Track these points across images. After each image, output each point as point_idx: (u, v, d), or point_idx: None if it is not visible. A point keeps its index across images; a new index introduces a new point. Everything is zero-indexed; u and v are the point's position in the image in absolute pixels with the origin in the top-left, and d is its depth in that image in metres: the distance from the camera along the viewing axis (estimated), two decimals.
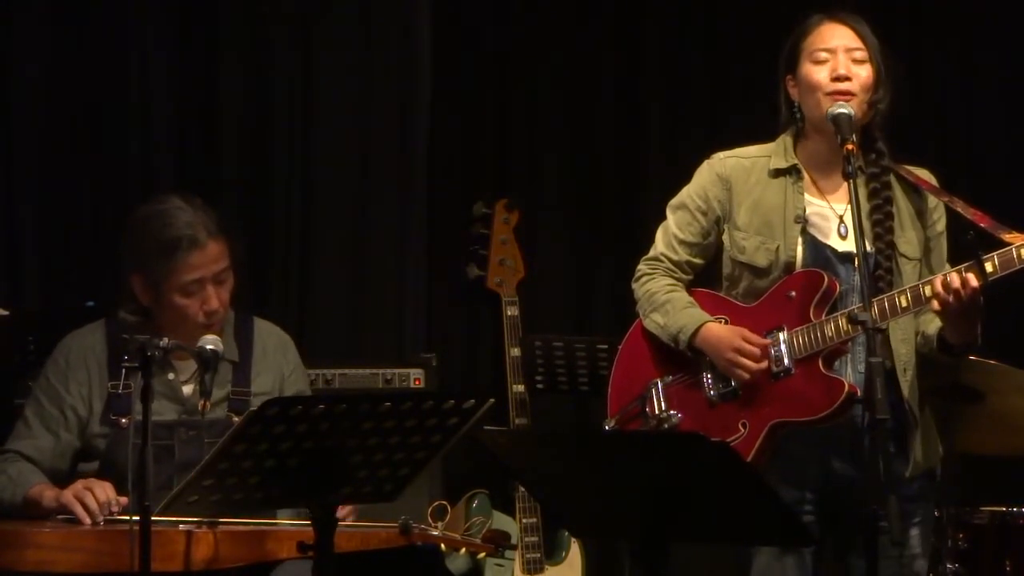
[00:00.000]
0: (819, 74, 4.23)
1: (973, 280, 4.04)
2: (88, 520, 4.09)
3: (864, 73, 4.23)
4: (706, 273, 4.45)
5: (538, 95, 6.42)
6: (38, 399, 4.39)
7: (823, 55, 4.24)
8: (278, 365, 4.50)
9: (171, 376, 4.37)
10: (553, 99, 6.42)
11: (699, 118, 6.43)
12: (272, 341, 4.53)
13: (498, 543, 4.23)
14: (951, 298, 4.05)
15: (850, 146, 4.11)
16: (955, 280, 4.04)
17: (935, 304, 4.08)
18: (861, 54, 4.24)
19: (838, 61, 4.22)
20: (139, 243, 4.36)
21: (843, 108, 4.17)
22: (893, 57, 4.28)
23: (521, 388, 5.89)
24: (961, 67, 6.52)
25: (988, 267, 4.03)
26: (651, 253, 4.46)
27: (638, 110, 6.46)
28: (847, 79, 4.20)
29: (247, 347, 4.47)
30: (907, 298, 4.12)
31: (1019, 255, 4.03)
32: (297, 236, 6.09)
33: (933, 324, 4.24)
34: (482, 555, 4.60)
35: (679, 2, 6.48)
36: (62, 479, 4.33)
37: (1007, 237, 4.07)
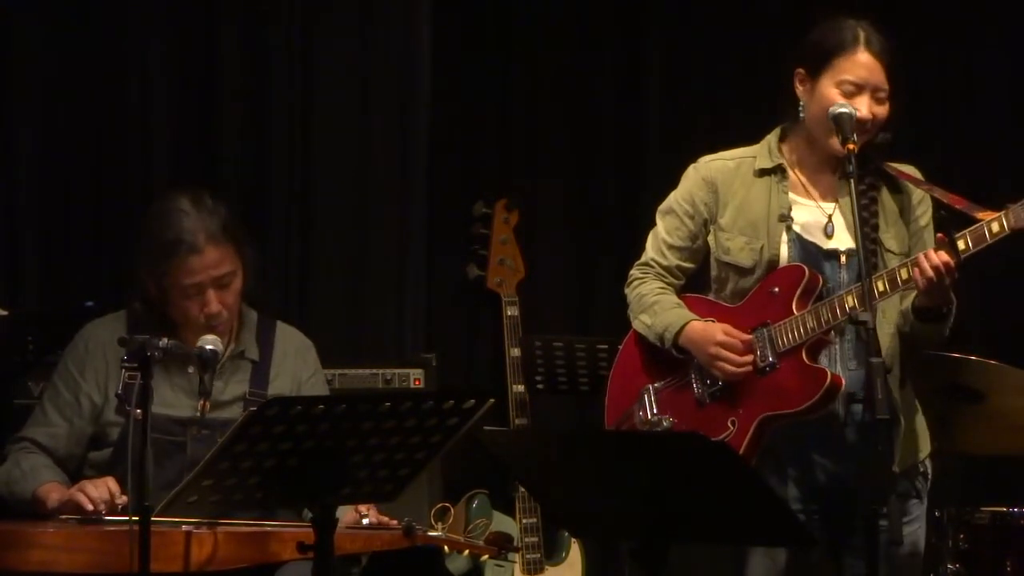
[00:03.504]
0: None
1: (946, 257, 4.07)
2: (90, 506, 4.10)
3: (882, 111, 4.24)
4: (697, 279, 4.46)
5: (538, 95, 6.42)
6: (55, 385, 4.44)
7: (851, 88, 4.22)
8: (297, 369, 4.52)
9: (190, 369, 4.38)
10: (553, 99, 6.42)
11: (699, 118, 6.43)
12: (293, 345, 4.55)
13: (501, 546, 4.23)
14: (931, 277, 4.07)
15: (851, 146, 4.13)
16: (932, 260, 4.07)
17: (918, 284, 4.10)
18: (884, 95, 4.23)
19: (863, 101, 4.20)
20: (144, 241, 4.41)
21: (844, 108, 4.17)
22: (904, 82, 4.28)
23: (521, 388, 5.89)
24: (961, 67, 6.53)
25: (961, 244, 4.08)
26: (642, 258, 4.49)
27: (638, 110, 6.46)
28: (866, 121, 4.20)
29: (267, 349, 4.50)
30: (884, 282, 4.16)
31: (990, 229, 4.08)
32: (297, 236, 6.09)
33: (907, 300, 4.25)
34: (484, 557, 4.61)
35: (680, 2, 6.48)
36: (77, 463, 4.39)
37: (979, 215, 4.12)
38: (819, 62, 4.26)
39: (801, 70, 4.30)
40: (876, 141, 4.27)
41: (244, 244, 4.43)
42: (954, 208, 4.16)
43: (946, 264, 4.07)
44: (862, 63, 4.23)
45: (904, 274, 4.13)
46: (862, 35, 4.25)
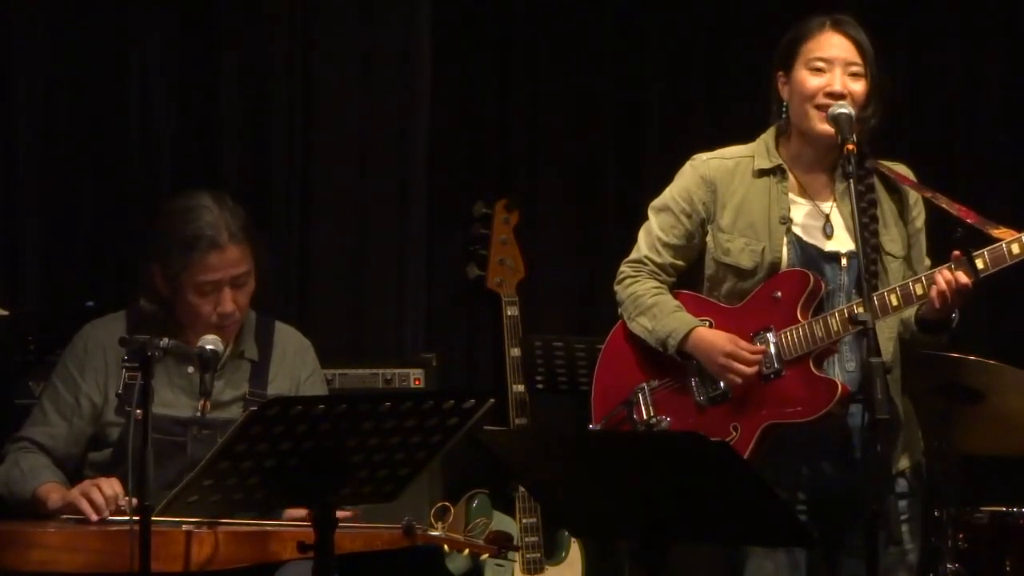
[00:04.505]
0: (813, 84, 4.22)
1: (964, 278, 4.06)
2: (94, 516, 4.10)
3: (858, 88, 4.23)
4: (687, 274, 4.45)
5: (538, 94, 6.42)
6: (55, 385, 4.43)
7: (820, 64, 4.23)
8: (295, 369, 4.52)
9: (190, 370, 4.38)
10: (553, 98, 6.42)
11: (700, 118, 6.43)
12: (292, 345, 4.55)
13: (501, 545, 4.23)
14: (947, 296, 4.07)
15: (850, 146, 4.12)
16: (950, 279, 4.06)
17: (934, 303, 4.10)
18: (858, 68, 4.23)
19: (834, 76, 4.21)
20: (162, 236, 4.39)
21: (843, 108, 4.17)
22: (886, 69, 4.28)
23: (521, 388, 5.89)
24: (963, 69, 6.53)
25: (979, 264, 4.06)
26: (633, 255, 4.45)
27: (638, 109, 6.46)
28: (841, 96, 4.19)
29: (266, 349, 4.50)
30: (897, 297, 4.15)
31: (1010, 251, 4.06)
32: (297, 236, 6.09)
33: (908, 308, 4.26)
34: (484, 556, 4.61)
35: (680, 2, 6.48)
36: (75, 463, 4.38)
37: (996, 233, 4.10)
38: (791, 55, 4.28)
39: (780, 72, 4.31)
40: (863, 117, 4.25)
41: (260, 246, 4.44)
42: (966, 223, 4.14)
43: (963, 285, 4.07)
44: (830, 41, 4.25)
45: (919, 290, 4.13)
46: (829, 20, 4.28)
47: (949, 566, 4.80)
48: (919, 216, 4.36)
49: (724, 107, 6.38)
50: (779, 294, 4.25)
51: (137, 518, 3.75)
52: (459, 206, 6.26)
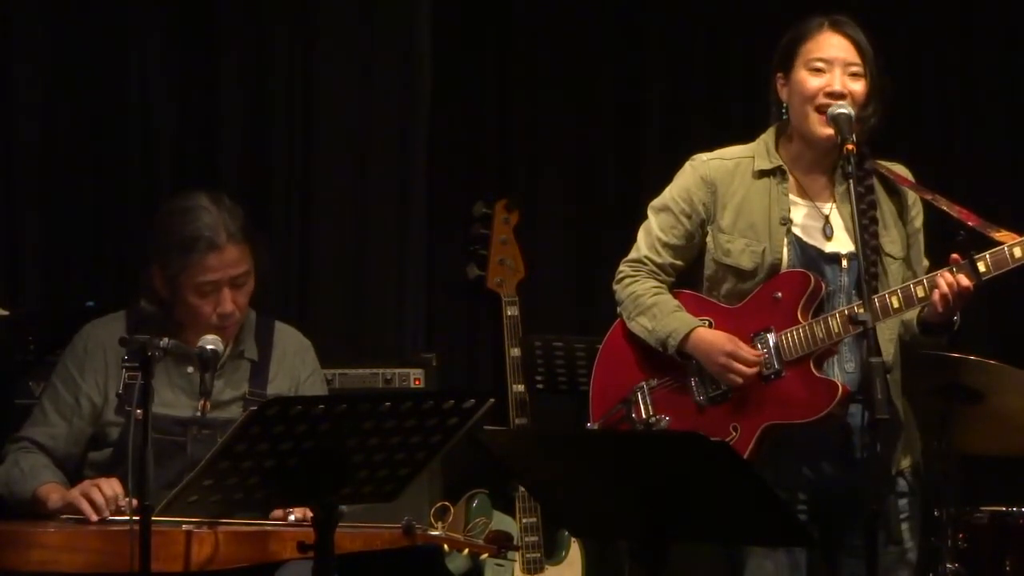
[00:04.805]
0: (813, 84, 4.22)
1: (966, 281, 4.06)
2: (94, 516, 4.10)
3: (858, 88, 4.23)
4: (687, 274, 4.45)
5: (538, 95, 6.43)
6: (55, 385, 4.43)
7: (820, 64, 4.23)
8: (295, 369, 4.52)
9: (190, 370, 4.38)
10: (553, 98, 6.43)
11: (700, 118, 6.43)
12: (292, 345, 4.55)
13: (501, 544, 4.23)
14: (948, 299, 4.07)
15: (850, 146, 4.12)
16: (951, 283, 4.06)
17: (936, 306, 4.10)
18: (857, 68, 4.23)
19: (834, 76, 4.21)
20: (160, 237, 4.39)
21: (843, 108, 4.17)
22: (886, 69, 4.29)
23: (521, 388, 5.89)
24: (963, 69, 6.54)
25: (981, 267, 4.06)
26: (633, 255, 4.45)
27: (638, 109, 6.46)
28: (841, 96, 4.20)
29: (266, 348, 4.49)
30: (899, 299, 4.15)
31: (1012, 254, 4.06)
32: (297, 236, 6.09)
33: (910, 311, 4.25)
34: (484, 556, 4.61)
35: (681, 2, 6.48)
36: (75, 463, 4.38)
37: (998, 236, 4.10)
38: (790, 56, 4.28)
39: (780, 74, 4.31)
40: (863, 117, 4.25)
41: (259, 246, 4.44)
42: (967, 225, 4.14)
43: (965, 288, 4.07)
44: (829, 42, 4.25)
45: (920, 292, 4.13)
46: (827, 20, 4.28)
47: (949, 566, 4.81)
48: (918, 216, 4.37)
49: (724, 107, 6.38)
50: (779, 295, 4.24)
51: (137, 518, 3.75)
52: (459, 206, 6.26)
